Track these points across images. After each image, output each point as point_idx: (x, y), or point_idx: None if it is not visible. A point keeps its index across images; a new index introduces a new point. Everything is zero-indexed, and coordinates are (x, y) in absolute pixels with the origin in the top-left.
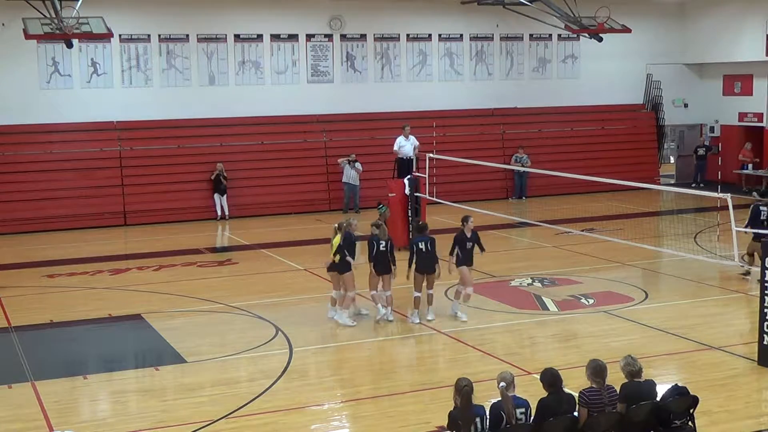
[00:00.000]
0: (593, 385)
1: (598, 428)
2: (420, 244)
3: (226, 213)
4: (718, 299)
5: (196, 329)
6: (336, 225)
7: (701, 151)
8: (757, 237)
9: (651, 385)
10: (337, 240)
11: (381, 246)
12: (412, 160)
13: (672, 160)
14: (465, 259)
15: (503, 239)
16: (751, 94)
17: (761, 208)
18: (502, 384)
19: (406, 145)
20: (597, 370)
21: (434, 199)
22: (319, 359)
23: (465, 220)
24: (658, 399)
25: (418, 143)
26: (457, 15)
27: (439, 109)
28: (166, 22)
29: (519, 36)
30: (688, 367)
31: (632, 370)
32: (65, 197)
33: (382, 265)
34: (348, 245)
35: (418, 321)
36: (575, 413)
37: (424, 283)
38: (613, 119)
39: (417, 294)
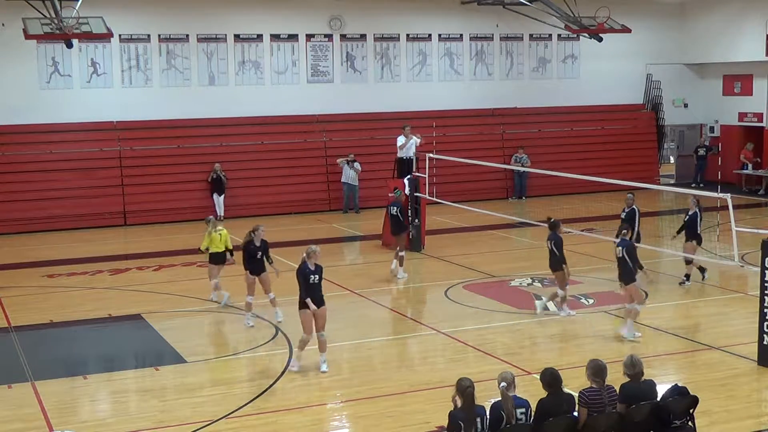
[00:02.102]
0: (593, 385)
1: (598, 428)
2: (548, 243)
3: (222, 213)
4: (718, 299)
5: (196, 329)
6: (208, 219)
7: (701, 152)
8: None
9: (650, 385)
10: (225, 235)
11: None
12: (413, 160)
13: (672, 160)
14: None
15: (503, 239)
16: (751, 94)
17: None
18: (503, 384)
19: (407, 145)
20: (597, 370)
21: (434, 199)
22: (319, 359)
23: (626, 229)
24: (657, 399)
25: (418, 142)
26: (457, 15)
27: (439, 109)
28: (166, 22)
29: (519, 36)
30: (688, 367)
31: (631, 372)
32: (65, 197)
33: (256, 267)
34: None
35: (573, 313)
36: (575, 413)
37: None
38: (613, 119)
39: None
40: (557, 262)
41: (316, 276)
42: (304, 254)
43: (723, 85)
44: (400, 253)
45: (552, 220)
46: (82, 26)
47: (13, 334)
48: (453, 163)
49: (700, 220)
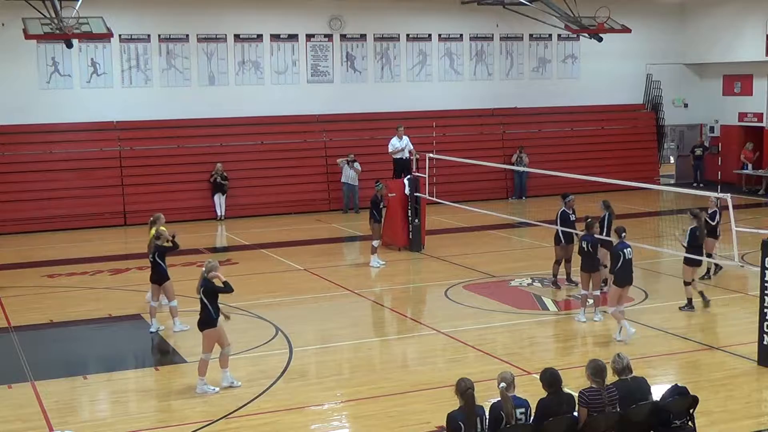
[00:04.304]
0: (593, 385)
1: (598, 428)
2: (583, 242)
3: (224, 213)
4: (718, 299)
5: (196, 329)
6: (154, 218)
7: (698, 151)
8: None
9: (640, 382)
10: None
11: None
12: (410, 160)
13: (672, 160)
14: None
15: (503, 239)
16: (751, 94)
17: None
18: (502, 384)
19: (400, 146)
20: (597, 370)
21: (434, 199)
22: (319, 359)
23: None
24: (657, 399)
25: (412, 146)
26: (457, 15)
27: (438, 109)
28: (166, 22)
29: (519, 36)
30: (688, 367)
31: (616, 367)
32: (65, 197)
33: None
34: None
35: (584, 320)
36: (575, 413)
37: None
38: (613, 119)
39: (584, 292)
40: (592, 263)
41: None
42: (209, 272)
43: (723, 85)
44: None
45: (589, 219)
46: (82, 26)
47: (13, 334)
48: (453, 163)
49: (609, 222)
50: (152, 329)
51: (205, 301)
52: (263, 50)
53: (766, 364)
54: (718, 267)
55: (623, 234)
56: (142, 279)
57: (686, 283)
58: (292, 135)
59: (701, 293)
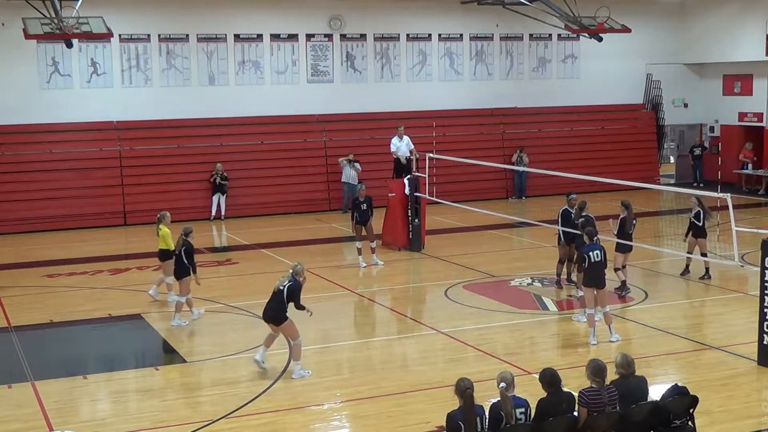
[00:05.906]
0: (593, 385)
1: (597, 428)
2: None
3: (224, 213)
4: (718, 299)
5: (196, 329)
6: (159, 216)
7: (697, 151)
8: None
9: (640, 381)
10: (166, 232)
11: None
12: (410, 160)
13: (672, 159)
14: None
15: (503, 239)
16: (751, 94)
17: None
18: (502, 384)
19: (400, 146)
20: (597, 370)
21: (434, 199)
22: (319, 359)
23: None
24: (657, 399)
25: (412, 146)
26: (457, 15)
27: (438, 109)
28: (166, 22)
29: (519, 36)
30: (688, 367)
31: (627, 372)
32: (65, 197)
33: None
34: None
35: (584, 320)
36: (575, 413)
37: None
38: (613, 119)
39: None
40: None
41: None
42: (298, 273)
43: (723, 85)
44: (371, 244)
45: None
46: (82, 26)
47: (13, 334)
48: (453, 163)
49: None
50: (194, 317)
51: (286, 297)
52: (263, 50)
53: (766, 364)
54: (706, 271)
55: (595, 237)
56: (142, 279)
57: (616, 269)
58: (292, 135)
59: (623, 282)
